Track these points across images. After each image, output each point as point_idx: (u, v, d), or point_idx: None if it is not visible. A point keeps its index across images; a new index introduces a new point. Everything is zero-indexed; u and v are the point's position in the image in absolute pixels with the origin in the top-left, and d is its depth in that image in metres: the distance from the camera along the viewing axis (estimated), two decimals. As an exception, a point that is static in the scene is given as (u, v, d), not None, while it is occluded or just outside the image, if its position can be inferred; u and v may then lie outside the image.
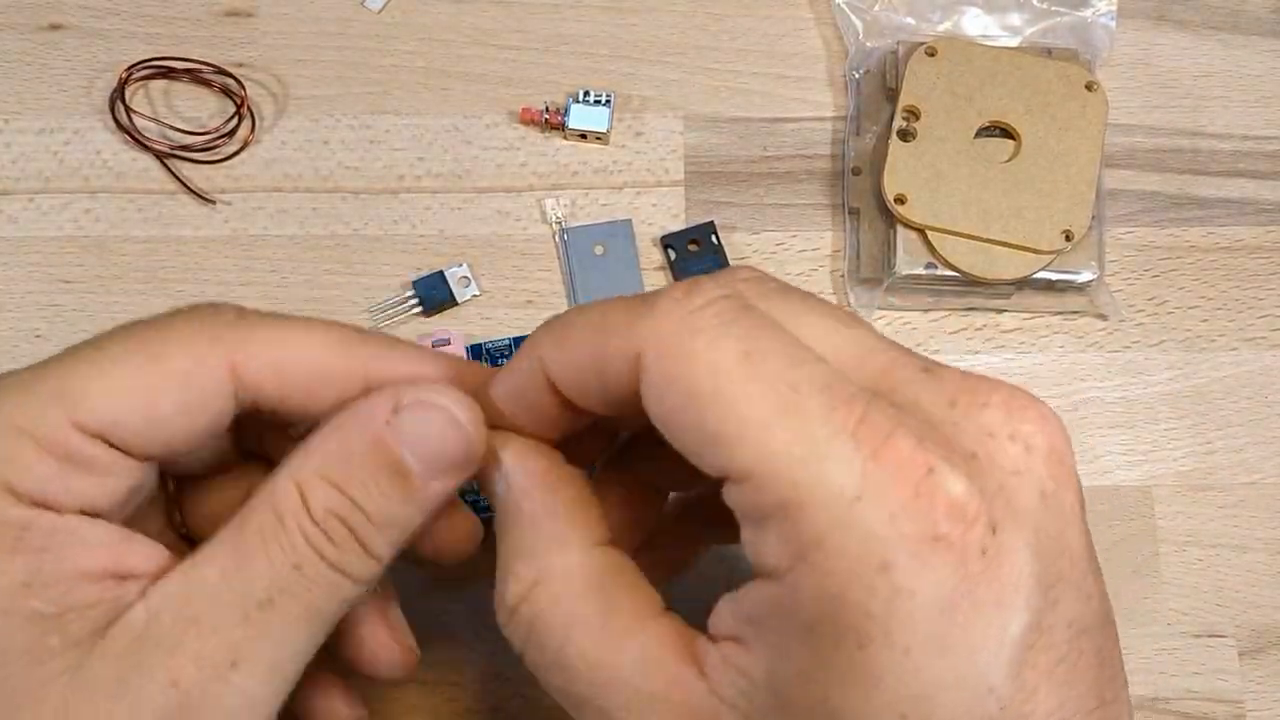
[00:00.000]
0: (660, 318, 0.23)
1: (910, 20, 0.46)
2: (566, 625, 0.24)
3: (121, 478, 0.24)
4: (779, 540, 0.22)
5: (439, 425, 0.24)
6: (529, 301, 0.43)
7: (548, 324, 0.25)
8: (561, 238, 0.44)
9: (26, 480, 0.23)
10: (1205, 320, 0.43)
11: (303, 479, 0.24)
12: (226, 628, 0.23)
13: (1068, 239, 0.42)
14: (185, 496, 0.29)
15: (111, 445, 0.24)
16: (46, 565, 0.23)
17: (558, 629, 0.24)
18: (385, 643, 0.28)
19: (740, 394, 0.22)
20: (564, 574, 0.25)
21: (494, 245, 0.44)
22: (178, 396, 0.24)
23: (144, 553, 0.24)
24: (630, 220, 0.44)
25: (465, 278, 0.43)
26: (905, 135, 0.43)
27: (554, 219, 0.44)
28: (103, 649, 0.22)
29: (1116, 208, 0.45)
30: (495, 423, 0.26)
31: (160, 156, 0.44)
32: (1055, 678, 0.22)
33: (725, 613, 0.24)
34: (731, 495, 0.22)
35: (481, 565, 0.40)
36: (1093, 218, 0.42)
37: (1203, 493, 0.41)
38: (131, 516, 0.26)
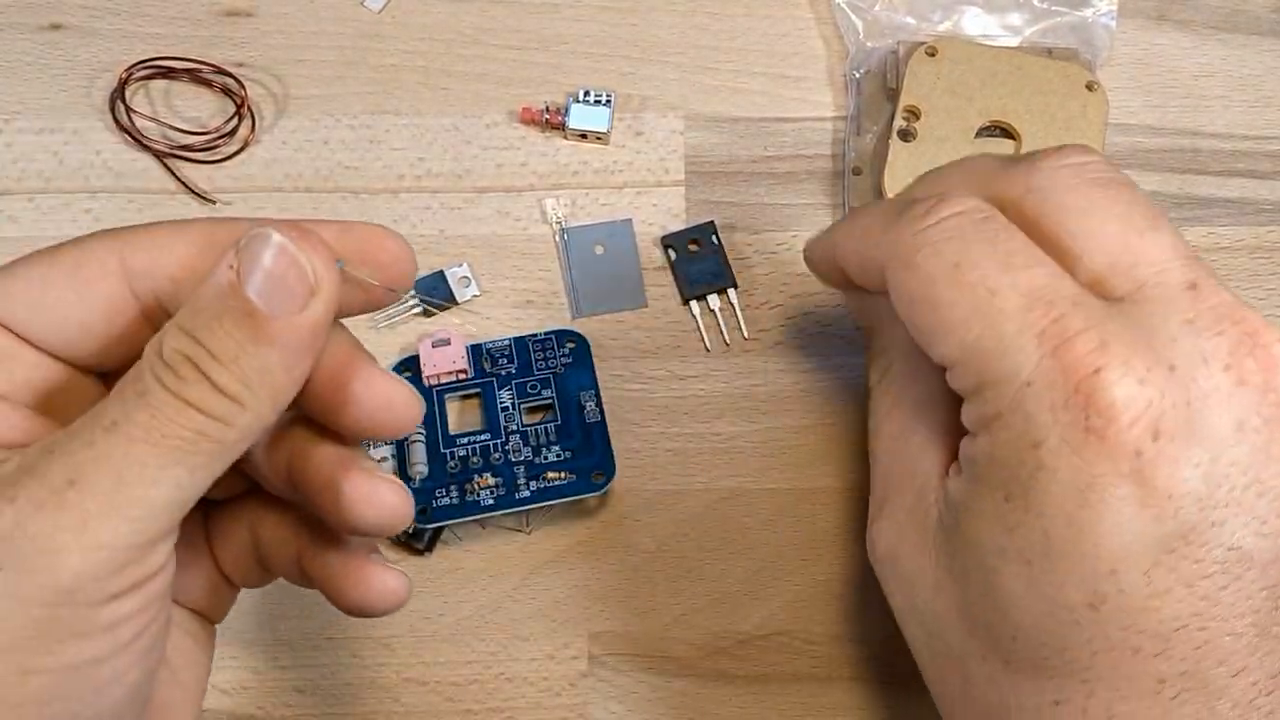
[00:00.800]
0: (896, 234, 0.28)
1: (910, 20, 0.46)
2: (895, 404, 0.32)
3: (22, 366, 0.25)
4: (973, 412, 0.27)
5: (273, 258, 0.24)
6: (529, 301, 0.43)
7: (849, 215, 0.33)
8: (562, 238, 0.44)
9: None
10: (1206, 320, 0.43)
11: (162, 331, 0.24)
12: (72, 451, 0.23)
13: (1068, 239, 0.42)
14: None
15: (11, 332, 0.25)
16: None
17: (888, 402, 0.32)
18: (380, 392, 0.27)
19: (943, 299, 0.27)
20: (904, 359, 0.32)
21: (494, 245, 0.44)
22: (65, 282, 0.25)
23: (43, 429, 0.25)
24: (630, 220, 0.44)
25: (465, 278, 0.43)
26: (906, 135, 0.43)
27: (554, 219, 0.44)
28: None
29: (1117, 208, 0.45)
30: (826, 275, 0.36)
31: (160, 156, 0.44)
32: (1196, 590, 0.24)
33: (960, 451, 0.28)
34: (949, 378, 0.28)
35: (480, 567, 0.40)
36: (1093, 218, 0.42)
37: (1203, 493, 0.41)
38: None
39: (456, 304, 0.42)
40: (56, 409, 0.26)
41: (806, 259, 0.36)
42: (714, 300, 0.42)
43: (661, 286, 0.43)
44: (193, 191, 0.44)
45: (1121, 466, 0.24)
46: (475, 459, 0.39)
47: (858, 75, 0.46)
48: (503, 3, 0.47)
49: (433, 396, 0.40)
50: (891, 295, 0.28)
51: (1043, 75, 0.44)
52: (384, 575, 0.28)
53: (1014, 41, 0.46)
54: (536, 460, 0.39)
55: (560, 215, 0.44)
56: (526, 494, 0.38)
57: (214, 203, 0.44)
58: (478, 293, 0.43)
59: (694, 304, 0.43)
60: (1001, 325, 0.26)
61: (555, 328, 0.41)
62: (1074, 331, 0.25)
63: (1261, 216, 0.45)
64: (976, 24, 0.47)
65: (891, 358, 0.32)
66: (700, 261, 0.43)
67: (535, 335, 0.41)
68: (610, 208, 0.44)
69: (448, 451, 0.39)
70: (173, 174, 0.44)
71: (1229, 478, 0.25)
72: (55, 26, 0.46)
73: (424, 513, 0.38)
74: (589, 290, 0.43)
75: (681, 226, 0.44)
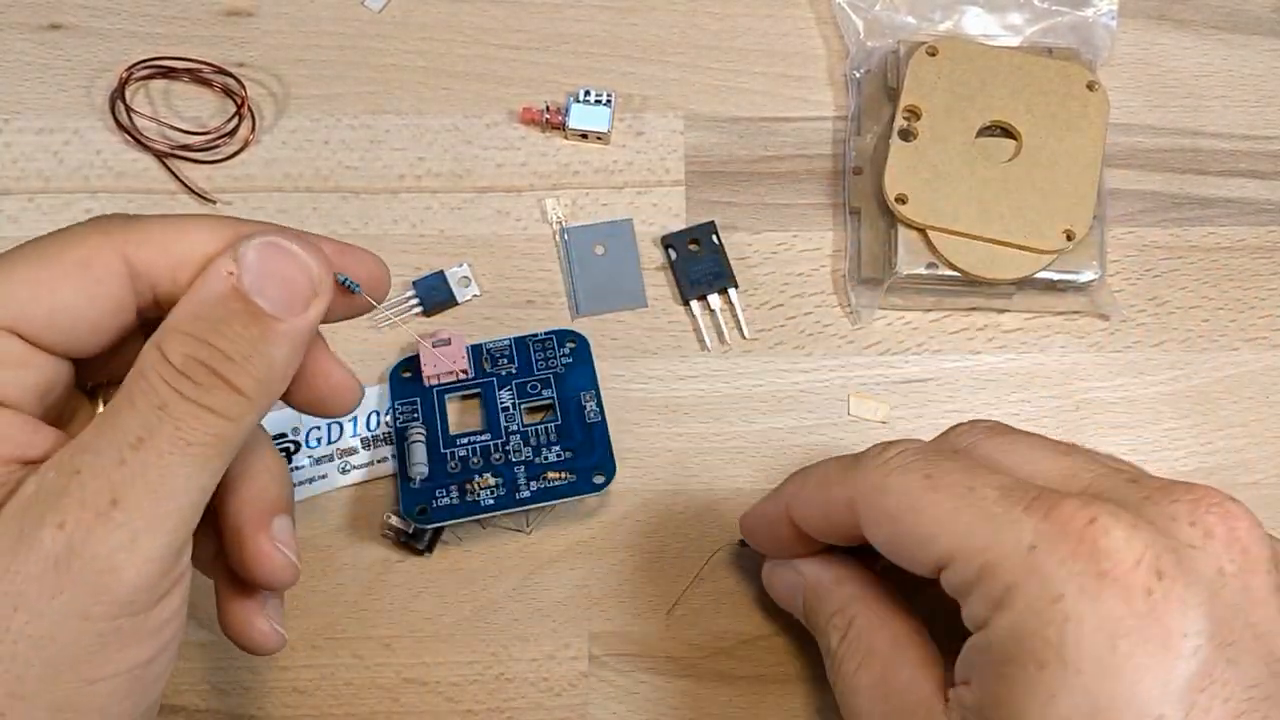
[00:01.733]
0: (862, 470, 0.30)
1: (911, 20, 0.46)
2: (866, 654, 0.31)
3: (33, 370, 0.26)
4: (981, 599, 0.27)
5: (278, 260, 0.26)
6: (529, 301, 0.43)
7: (794, 477, 0.34)
8: (562, 237, 0.43)
9: None
10: (1206, 320, 0.43)
11: (161, 339, 0.25)
12: (104, 471, 0.24)
13: (1069, 239, 0.42)
14: None
15: (22, 339, 0.25)
16: None
17: (857, 656, 0.32)
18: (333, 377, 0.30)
19: (927, 503, 0.28)
20: (872, 619, 0.32)
21: (494, 245, 0.44)
22: (76, 284, 0.26)
23: (50, 440, 0.26)
24: (631, 220, 0.44)
25: (465, 278, 0.43)
26: (906, 135, 0.43)
27: (554, 219, 0.44)
28: (1, 516, 0.24)
29: (1118, 207, 0.45)
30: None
31: (160, 156, 0.44)
32: None
33: (959, 662, 0.29)
34: (946, 580, 0.28)
35: (480, 567, 0.40)
36: (1094, 217, 0.42)
37: (1204, 493, 0.41)
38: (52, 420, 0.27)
39: (456, 304, 0.42)
40: (50, 408, 0.27)
41: (748, 531, 0.37)
42: (714, 300, 0.42)
43: (661, 286, 0.43)
44: (193, 191, 0.44)
45: (1138, 606, 0.25)
46: (475, 459, 0.39)
47: (858, 75, 0.46)
48: (503, 3, 0.47)
49: (433, 397, 0.40)
50: (869, 526, 0.30)
51: (1043, 75, 0.44)
52: (265, 627, 0.30)
53: (1014, 41, 0.46)
54: (536, 460, 0.39)
55: (560, 215, 0.44)
56: (526, 494, 0.38)
57: (214, 202, 0.44)
58: (478, 292, 0.43)
59: (694, 304, 0.43)
60: (989, 508, 0.27)
61: (555, 328, 0.41)
62: (1058, 499, 0.26)
63: (1262, 216, 0.45)
64: (977, 24, 0.47)
65: (851, 613, 0.33)
66: (700, 261, 0.43)
67: (535, 335, 0.41)
68: (610, 208, 0.44)
69: (448, 452, 0.39)
70: (173, 174, 0.44)
71: (1227, 618, 0.25)
72: (55, 26, 0.46)
73: (424, 513, 0.38)
74: (589, 290, 0.43)
75: (681, 226, 0.44)
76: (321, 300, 0.26)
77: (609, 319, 0.43)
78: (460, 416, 0.41)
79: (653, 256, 0.43)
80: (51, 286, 0.25)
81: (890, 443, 0.31)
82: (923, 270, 0.42)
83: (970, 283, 0.42)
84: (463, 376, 0.40)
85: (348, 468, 0.40)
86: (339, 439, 0.40)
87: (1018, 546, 0.26)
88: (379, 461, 0.40)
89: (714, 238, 0.43)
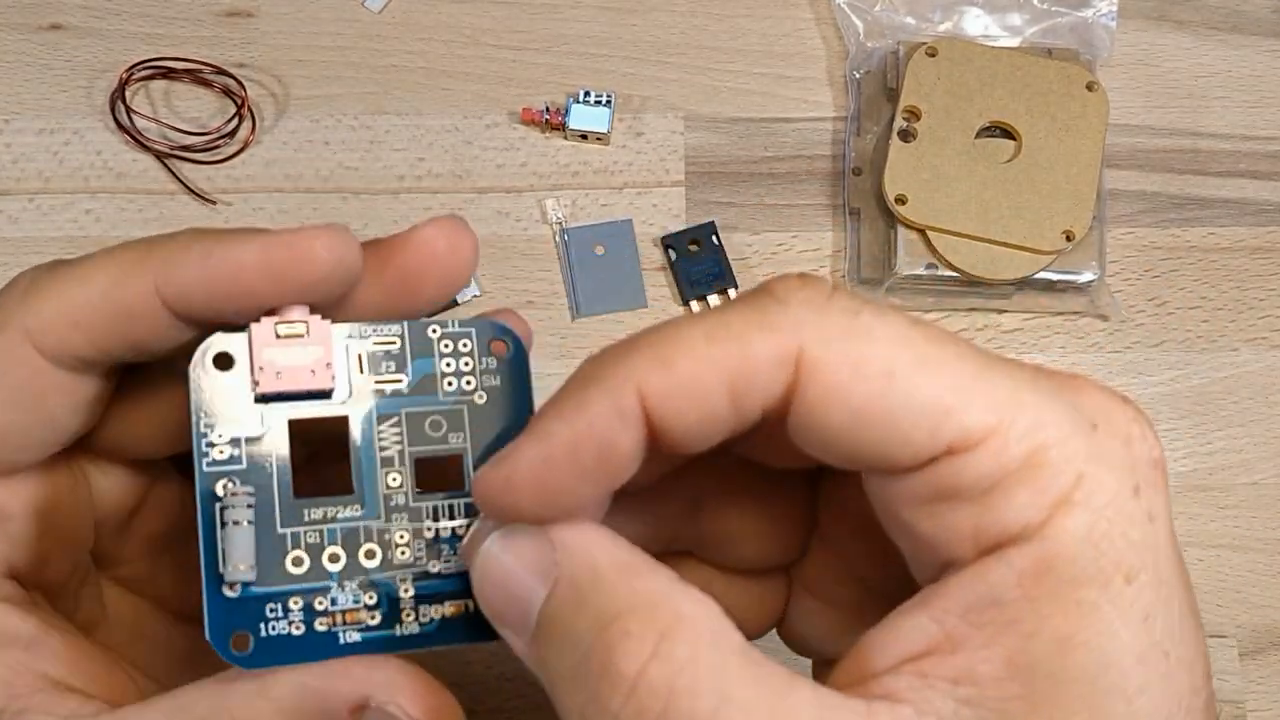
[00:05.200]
0: (808, 307, 0.20)
1: (911, 20, 0.46)
2: (720, 677, 0.19)
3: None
4: (1030, 494, 0.19)
5: None
6: (529, 301, 0.43)
7: (631, 347, 0.20)
8: (562, 238, 0.44)
9: None
10: (1206, 321, 0.43)
11: None
12: None
13: (1068, 239, 0.42)
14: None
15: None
16: None
17: (709, 684, 0.19)
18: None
19: (944, 356, 0.19)
20: (701, 619, 0.19)
21: (494, 245, 0.44)
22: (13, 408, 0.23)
23: (67, 648, 0.23)
24: (630, 220, 0.44)
25: (465, 278, 0.43)
26: (906, 135, 0.43)
27: (554, 219, 0.44)
28: None
29: (1117, 208, 0.45)
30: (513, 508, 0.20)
31: (160, 157, 0.44)
32: None
33: (910, 630, 0.20)
34: (948, 473, 0.19)
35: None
36: (1094, 218, 0.42)
37: (1203, 493, 0.41)
38: None
39: (456, 304, 0.42)
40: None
41: (516, 480, 0.20)
42: (714, 300, 0.43)
43: (661, 286, 0.43)
44: (193, 192, 0.44)
45: (1167, 499, 0.20)
46: (334, 551, 0.22)
47: (858, 75, 0.46)
48: (503, 3, 0.47)
49: (271, 425, 0.22)
50: (832, 390, 0.19)
51: (1043, 75, 0.44)
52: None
53: (1014, 42, 0.46)
54: (432, 566, 0.22)
55: (560, 216, 0.44)
56: (414, 629, 0.22)
57: (214, 203, 0.44)
58: (478, 293, 0.43)
59: (694, 304, 0.43)
60: (1018, 375, 0.20)
61: (471, 316, 0.24)
62: (1071, 375, 0.21)
63: (1261, 216, 0.45)
64: (977, 24, 0.47)
65: (671, 607, 0.19)
66: (700, 261, 0.43)
67: (445, 324, 0.23)
68: (610, 208, 0.44)
69: (289, 532, 0.22)
70: (173, 174, 0.44)
71: None
72: (55, 26, 0.46)
73: (243, 645, 0.21)
74: (589, 291, 0.43)
75: (681, 226, 0.44)
76: None
77: (609, 320, 0.43)
78: (313, 467, 0.23)
79: (653, 257, 0.44)
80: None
81: (804, 279, 0.21)
82: (922, 271, 0.42)
83: (970, 283, 0.42)
84: (320, 387, 0.22)
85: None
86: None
87: (1080, 425, 0.19)
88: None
89: (714, 238, 0.43)
